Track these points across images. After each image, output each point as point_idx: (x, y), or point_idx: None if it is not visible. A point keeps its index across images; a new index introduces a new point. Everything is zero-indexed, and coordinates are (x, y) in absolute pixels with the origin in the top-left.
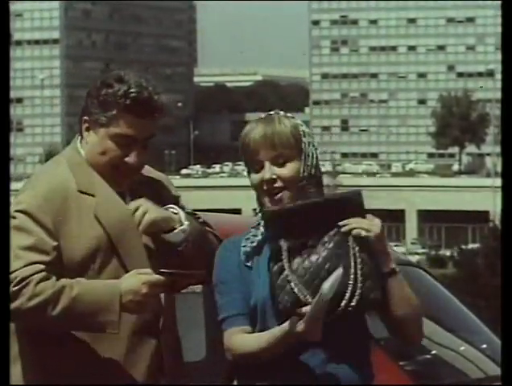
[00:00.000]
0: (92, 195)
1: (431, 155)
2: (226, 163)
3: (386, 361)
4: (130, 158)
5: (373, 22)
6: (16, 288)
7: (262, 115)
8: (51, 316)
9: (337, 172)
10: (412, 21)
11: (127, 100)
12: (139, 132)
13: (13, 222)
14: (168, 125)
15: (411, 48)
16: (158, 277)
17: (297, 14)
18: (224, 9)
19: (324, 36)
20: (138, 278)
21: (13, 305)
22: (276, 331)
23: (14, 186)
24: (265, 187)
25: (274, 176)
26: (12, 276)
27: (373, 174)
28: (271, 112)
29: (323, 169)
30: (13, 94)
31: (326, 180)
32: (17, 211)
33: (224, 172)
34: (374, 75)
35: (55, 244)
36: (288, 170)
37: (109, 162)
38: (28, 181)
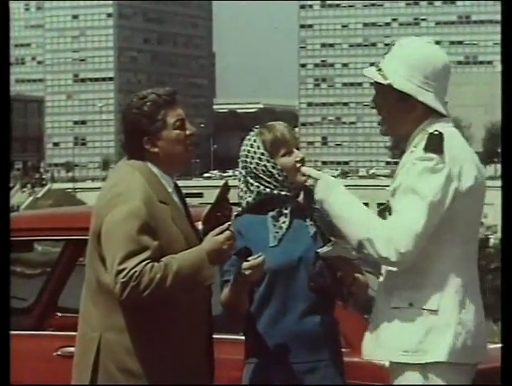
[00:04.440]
0: (166, 204)
1: (388, 163)
2: (237, 169)
3: (352, 314)
4: (190, 130)
5: (345, 64)
6: (134, 283)
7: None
8: (166, 290)
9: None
10: (373, 64)
11: (166, 97)
12: (182, 112)
13: (130, 229)
14: (194, 141)
15: (373, 84)
16: (227, 232)
17: (289, 59)
18: (236, 55)
19: (309, 75)
20: (215, 240)
21: (132, 296)
22: (234, 277)
23: (79, 185)
24: None
25: None
26: (126, 273)
27: (345, 177)
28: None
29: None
30: (79, 118)
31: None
32: (127, 220)
33: (236, 175)
34: (346, 104)
35: (155, 243)
36: None
37: (181, 143)
38: (116, 195)
